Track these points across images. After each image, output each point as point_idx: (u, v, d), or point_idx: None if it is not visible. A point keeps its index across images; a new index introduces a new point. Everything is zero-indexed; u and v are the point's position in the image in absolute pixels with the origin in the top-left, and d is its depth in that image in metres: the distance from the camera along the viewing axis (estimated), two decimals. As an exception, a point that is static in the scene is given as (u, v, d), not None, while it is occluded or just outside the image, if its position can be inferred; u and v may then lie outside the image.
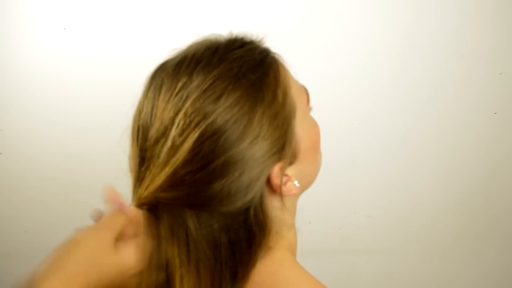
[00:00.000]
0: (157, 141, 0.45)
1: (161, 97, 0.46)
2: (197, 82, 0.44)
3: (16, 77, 1.07)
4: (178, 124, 0.43)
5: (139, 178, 0.46)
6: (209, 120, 0.43)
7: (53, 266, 0.39)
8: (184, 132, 0.43)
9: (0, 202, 1.12)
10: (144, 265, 0.45)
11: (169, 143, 0.44)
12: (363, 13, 1.07)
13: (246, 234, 0.47)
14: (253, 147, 0.44)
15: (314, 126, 0.53)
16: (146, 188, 0.45)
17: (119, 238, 0.44)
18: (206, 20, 1.04)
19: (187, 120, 0.43)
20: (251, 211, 0.47)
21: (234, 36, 0.50)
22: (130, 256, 0.43)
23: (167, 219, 0.46)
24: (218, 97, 0.44)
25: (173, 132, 0.44)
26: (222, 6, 1.04)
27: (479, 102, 1.12)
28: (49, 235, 1.08)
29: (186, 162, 0.43)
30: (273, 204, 0.50)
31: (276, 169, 0.47)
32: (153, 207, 0.46)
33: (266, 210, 0.49)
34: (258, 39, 0.51)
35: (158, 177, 0.44)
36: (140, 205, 0.45)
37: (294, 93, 0.49)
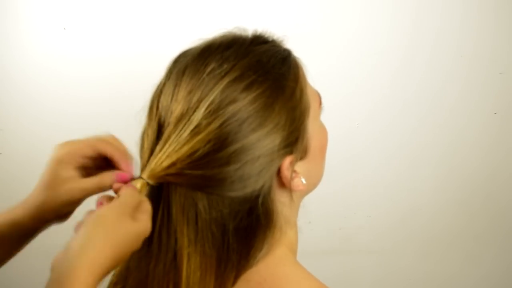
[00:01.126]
0: (179, 120, 0.46)
1: (186, 79, 0.48)
2: (227, 69, 0.47)
3: (15, 77, 1.07)
4: (206, 107, 0.45)
5: (152, 154, 0.47)
6: (237, 107, 0.45)
7: (82, 240, 0.40)
8: (211, 115, 0.45)
9: (0, 201, 1.12)
10: (154, 243, 0.47)
11: (193, 124, 0.45)
12: (363, 14, 1.07)
13: (253, 224, 0.49)
14: (271, 136, 0.47)
15: (324, 130, 0.56)
16: (161, 163, 0.46)
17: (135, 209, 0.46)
18: (208, 22, 1.04)
19: (215, 105, 0.45)
20: (260, 200, 0.48)
21: (258, 32, 0.53)
22: (147, 222, 0.45)
23: (179, 198, 0.47)
24: (247, 86, 0.46)
25: (199, 114, 0.45)
26: (222, 8, 1.04)
27: (480, 102, 1.12)
28: (48, 235, 1.08)
29: (207, 142, 0.45)
30: (280, 199, 0.51)
31: (287, 162, 0.48)
32: (164, 186, 0.48)
33: (273, 204, 0.50)
34: (280, 39, 0.54)
35: (176, 153, 0.46)
36: (151, 178, 0.47)
37: (309, 93, 0.52)
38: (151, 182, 0.47)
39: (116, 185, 0.48)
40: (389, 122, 1.13)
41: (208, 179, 0.46)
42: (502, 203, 1.20)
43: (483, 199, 1.20)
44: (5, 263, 0.54)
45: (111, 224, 0.42)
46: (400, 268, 1.24)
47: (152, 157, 0.47)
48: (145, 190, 0.47)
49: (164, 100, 0.49)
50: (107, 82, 1.07)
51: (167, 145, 0.46)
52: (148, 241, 0.47)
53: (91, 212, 0.44)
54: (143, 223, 0.44)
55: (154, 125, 0.48)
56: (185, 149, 0.45)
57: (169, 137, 0.46)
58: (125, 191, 0.45)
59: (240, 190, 0.47)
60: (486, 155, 1.16)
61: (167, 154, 0.46)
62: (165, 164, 0.46)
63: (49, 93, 1.08)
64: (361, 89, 1.11)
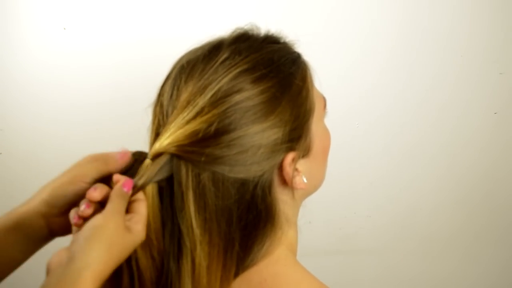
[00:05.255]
0: (185, 105, 0.47)
1: (197, 70, 0.49)
2: (238, 60, 0.48)
3: (16, 77, 1.07)
4: (213, 93, 0.47)
5: (159, 134, 0.49)
6: (243, 96, 0.47)
7: (86, 254, 0.41)
8: (217, 100, 0.46)
9: (0, 201, 1.12)
10: (156, 233, 0.48)
11: (198, 106, 0.46)
12: (360, 12, 1.07)
13: (255, 218, 0.49)
14: (274, 129, 0.48)
15: (327, 133, 0.57)
16: (163, 141, 0.47)
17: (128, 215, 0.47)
18: (210, 23, 1.04)
19: (222, 92, 0.47)
20: (259, 190, 0.49)
21: (271, 32, 0.55)
22: (141, 232, 0.46)
23: (189, 180, 0.47)
24: (257, 79, 0.48)
25: (205, 99, 0.47)
26: (225, 10, 1.04)
27: (479, 102, 1.12)
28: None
29: (209, 124, 0.46)
30: (281, 197, 0.52)
31: (289, 158, 0.49)
32: (173, 161, 0.48)
33: (274, 201, 0.51)
34: (291, 42, 0.56)
35: (179, 131, 0.47)
36: (158, 154, 0.47)
37: (315, 95, 0.54)
38: (158, 157, 0.47)
39: (115, 177, 0.48)
40: (388, 122, 1.13)
41: (207, 156, 0.47)
42: (500, 202, 1.20)
43: (483, 199, 1.20)
44: (11, 272, 0.53)
45: (110, 237, 0.43)
46: (400, 268, 1.24)
47: (157, 140, 0.48)
48: (152, 169, 0.47)
49: (172, 89, 0.50)
50: (108, 82, 1.07)
51: (171, 126, 0.47)
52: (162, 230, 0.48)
53: (89, 221, 0.44)
54: (139, 235, 0.45)
55: (163, 111, 0.50)
56: (188, 127, 0.46)
57: (174, 119, 0.47)
58: (114, 195, 0.46)
59: (240, 173, 0.48)
60: (486, 155, 1.16)
61: (170, 133, 0.47)
62: (168, 141, 0.47)
63: (49, 93, 1.08)
64: (360, 89, 1.11)
